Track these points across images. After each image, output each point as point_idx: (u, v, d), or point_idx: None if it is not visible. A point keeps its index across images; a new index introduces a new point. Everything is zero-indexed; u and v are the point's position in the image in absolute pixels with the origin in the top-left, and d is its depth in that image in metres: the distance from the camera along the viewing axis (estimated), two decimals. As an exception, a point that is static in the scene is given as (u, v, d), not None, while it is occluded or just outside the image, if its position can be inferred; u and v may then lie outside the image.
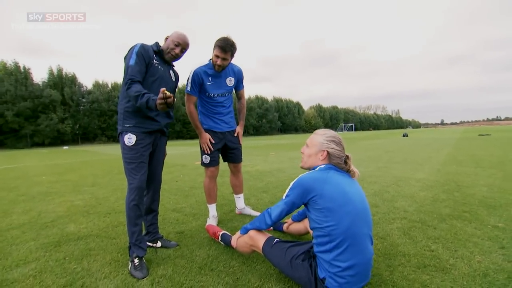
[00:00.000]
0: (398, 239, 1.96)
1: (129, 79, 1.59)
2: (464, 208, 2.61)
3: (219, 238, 1.92)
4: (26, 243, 2.11)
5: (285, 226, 2.08)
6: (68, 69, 37.78)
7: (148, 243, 1.92)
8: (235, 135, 2.48)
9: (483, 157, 6.44)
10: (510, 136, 15.40)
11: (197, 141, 3.17)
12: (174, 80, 1.97)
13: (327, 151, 1.39)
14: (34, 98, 29.11)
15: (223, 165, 2.58)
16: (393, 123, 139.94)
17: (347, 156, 1.40)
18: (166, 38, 1.87)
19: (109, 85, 37.25)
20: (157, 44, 1.86)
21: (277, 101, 60.87)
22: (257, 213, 2.63)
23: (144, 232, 1.98)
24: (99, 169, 7.00)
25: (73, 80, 34.02)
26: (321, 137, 1.43)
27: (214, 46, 2.11)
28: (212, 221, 2.41)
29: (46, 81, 32.03)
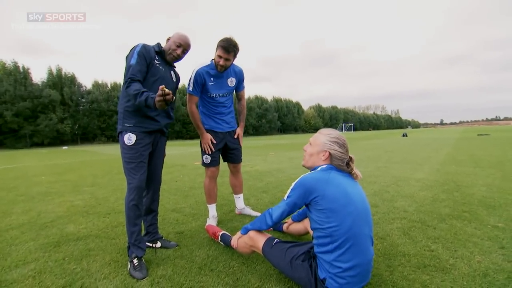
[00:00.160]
0: (398, 239, 1.96)
1: (129, 78, 1.60)
2: (463, 208, 2.61)
3: (219, 239, 1.92)
4: (26, 244, 2.11)
5: (285, 226, 2.08)
6: (67, 69, 37.76)
7: (147, 243, 1.92)
8: (235, 136, 2.48)
9: (482, 157, 6.45)
10: (509, 136, 15.42)
11: (196, 141, 3.16)
12: (174, 80, 1.97)
13: (329, 152, 1.37)
14: (34, 98, 29.04)
15: (223, 165, 2.58)
16: (393, 123, 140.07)
17: (350, 158, 1.37)
18: (168, 39, 1.87)
19: (109, 85, 37.16)
20: (158, 44, 1.86)
21: (277, 101, 60.87)
22: (256, 213, 2.62)
23: (143, 232, 1.97)
24: (98, 169, 6.99)
25: (72, 80, 33.93)
26: (325, 137, 1.41)
27: (217, 46, 2.12)
28: (212, 221, 2.40)
29: (45, 81, 31.94)
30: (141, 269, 1.59)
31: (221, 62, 2.12)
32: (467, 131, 32.69)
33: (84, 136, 34.20)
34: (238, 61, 2.33)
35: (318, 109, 77.46)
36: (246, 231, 1.57)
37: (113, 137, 33.99)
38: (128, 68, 1.65)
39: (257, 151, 10.92)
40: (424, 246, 1.83)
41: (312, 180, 1.30)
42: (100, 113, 34.52)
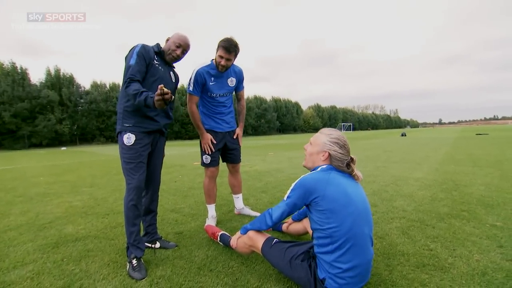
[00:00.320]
0: (397, 238, 1.96)
1: (128, 78, 1.60)
2: (462, 207, 2.62)
3: (218, 239, 1.92)
4: (24, 245, 2.10)
5: (285, 226, 2.08)
6: (66, 70, 37.65)
7: (147, 244, 1.91)
8: (235, 137, 2.48)
9: (480, 156, 6.47)
10: (507, 136, 15.49)
11: (195, 142, 3.16)
12: (174, 81, 1.97)
13: (329, 153, 1.36)
14: (32, 98, 28.93)
15: (222, 166, 2.58)
16: (392, 122, 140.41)
17: (351, 159, 1.35)
18: (167, 40, 1.87)
19: (107, 86, 37.07)
20: (158, 45, 1.86)
21: (276, 101, 60.89)
22: (256, 213, 2.62)
23: (142, 232, 1.97)
24: (97, 169, 6.97)
25: (71, 80, 33.82)
26: (325, 137, 1.40)
27: (218, 46, 2.13)
28: (211, 221, 2.40)
29: (43, 81, 31.83)
30: (140, 270, 1.58)
31: (223, 62, 2.13)
32: (466, 130, 32.80)
33: (83, 136, 34.09)
34: (236, 61, 2.33)
35: (317, 109, 77.56)
36: (245, 231, 1.57)
37: (112, 138, 33.91)
38: (127, 68, 1.64)
39: (256, 151, 10.92)
40: (423, 245, 1.83)
41: (312, 180, 1.29)
42: (98, 114, 34.42)
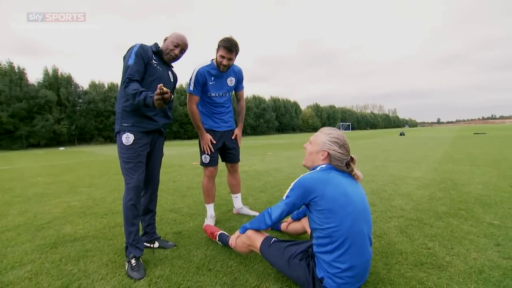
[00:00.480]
0: (395, 237, 1.97)
1: (127, 78, 1.60)
2: (460, 206, 2.63)
3: (217, 238, 1.92)
4: (22, 245, 2.09)
5: (284, 225, 2.07)
6: (63, 70, 37.47)
7: (145, 243, 1.91)
8: (233, 137, 2.48)
9: (478, 155, 6.50)
10: (504, 135, 15.56)
11: (194, 142, 3.16)
12: (172, 80, 1.97)
13: (328, 152, 1.36)
14: (29, 98, 28.80)
15: (221, 165, 2.58)
16: (390, 122, 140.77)
17: (351, 159, 1.34)
18: (165, 39, 1.87)
19: (106, 86, 36.97)
20: (156, 45, 1.86)
21: (275, 100, 60.91)
22: (255, 213, 2.63)
23: (141, 232, 1.97)
24: (96, 169, 6.95)
25: (68, 80, 33.70)
26: (325, 136, 1.39)
27: (218, 46, 2.13)
28: (209, 221, 2.40)
29: (41, 81, 31.71)
30: (139, 269, 1.58)
31: (224, 62, 2.14)
32: (464, 129, 32.94)
33: (81, 136, 33.98)
34: (235, 61, 2.33)
35: (316, 108, 77.65)
36: (244, 230, 1.56)
37: (111, 138, 33.82)
38: (126, 68, 1.64)
39: (255, 151, 10.92)
40: (421, 244, 1.84)
41: (311, 180, 1.29)
42: (97, 114, 34.32)
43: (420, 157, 6.60)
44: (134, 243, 1.67)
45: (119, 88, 1.76)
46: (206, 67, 2.23)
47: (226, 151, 2.50)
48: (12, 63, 29.65)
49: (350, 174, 1.35)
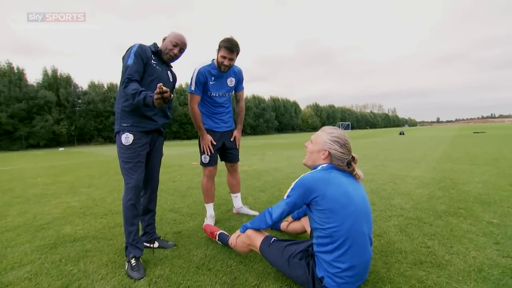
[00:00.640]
0: (394, 236, 1.98)
1: (126, 78, 1.60)
2: (459, 204, 2.64)
3: (217, 238, 1.92)
4: (21, 246, 2.09)
5: (285, 224, 2.07)
6: (63, 70, 37.37)
7: (145, 243, 1.91)
8: (232, 139, 2.48)
9: (478, 154, 6.51)
10: (504, 134, 15.58)
11: (194, 142, 3.16)
12: (171, 80, 1.97)
13: (329, 152, 1.35)
14: (29, 99, 28.75)
15: (220, 165, 2.58)
16: (390, 121, 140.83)
17: (352, 158, 1.33)
18: (164, 39, 1.87)
19: (105, 86, 36.91)
20: (155, 44, 1.86)
21: (274, 100, 60.91)
22: (254, 212, 2.63)
23: (141, 232, 1.97)
24: (95, 170, 6.94)
25: (68, 81, 33.65)
26: (326, 135, 1.38)
27: (220, 47, 2.14)
28: (209, 220, 2.40)
29: (40, 82, 31.66)
30: (139, 269, 1.58)
31: (226, 62, 2.15)
32: (463, 129, 32.96)
33: (81, 137, 33.94)
34: (235, 61, 2.34)
35: (316, 108, 77.67)
36: (245, 230, 1.56)
37: (110, 138, 33.77)
38: (125, 68, 1.64)
39: (254, 151, 10.92)
40: (421, 243, 1.84)
41: (312, 179, 1.28)
42: (96, 114, 34.28)
43: (419, 156, 6.61)
44: (134, 243, 1.68)
45: (118, 88, 1.76)
46: (207, 66, 2.24)
47: (226, 151, 2.50)
48: (11, 64, 29.61)
49: (351, 173, 1.34)
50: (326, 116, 78.83)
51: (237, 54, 2.19)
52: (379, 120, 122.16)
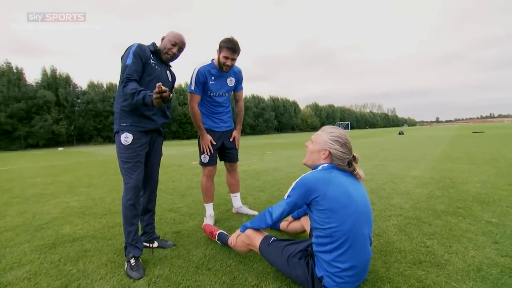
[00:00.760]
0: (394, 235, 1.98)
1: (125, 78, 1.60)
2: (458, 204, 2.64)
3: (216, 238, 1.92)
4: (20, 246, 2.08)
5: (285, 224, 2.07)
6: (62, 70, 37.28)
7: (144, 243, 1.91)
8: (231, 139, 2.49)
9: (477, 154, 6.52)
10: (503, 133, 15.62)
11: (193, 141, 3.16)
12: (170, 80, 1.97)
13: (329, 151, 1.34)
14: (28, 99, 28.71)
15: (220, 165, 2.58)
16: (389, 121, 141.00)
17: (353, 157, 1.32)
18: (162, 38, 1.87)
19: (105, 86, 36.88)
20: (154, 44, 1.86)
21: (274, 100, 60.94)
22: (254, 212, 2.63)
23: (140, 232, 1.97)
24: (95, 170, 6.94)
25: (67, 80, 33.61)
26: (326, 135, 1.37)
27: (221, 47, 2.14)
28: (209, 220, 2.40)
29: (39, 81, 31.62)
30: (138, 269, 1.58)
31: (228, 62, 2.16)
32: (462, 128, 33.03)
33: (80, 137, 33.90)
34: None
35: (315, 108, 77.74)
36: (245, 229, 1.56)
37: (109, 138, 33.74)
38: (124, 68, 1.64)
39: (254, 150, 10.92)
40: (420, 242, 1.85)
41: (313, 179, 1.27)
42: (96, 114, 34.24)
43: (419, 156, 6.62)
44: (134, 242, 1.67)
45: (117, 88, 1.76)
46: (207, 66, 2.25)
47: (225, 151, 2.50)
48: (10, 63, 29.59)
49: (352, 173, 1.34)
50: (326, 116, 78.90)
51: (238, 54, 2.20)
52: (378, 120, 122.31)
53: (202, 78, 2.22)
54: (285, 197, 1.35)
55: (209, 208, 2.47)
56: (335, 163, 1.34)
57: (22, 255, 1.91)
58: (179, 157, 9.36)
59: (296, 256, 1.36)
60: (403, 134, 22.74)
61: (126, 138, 1.69)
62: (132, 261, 1.62)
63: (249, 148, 12.80)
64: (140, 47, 1.71)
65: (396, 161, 5.86)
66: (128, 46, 1.73)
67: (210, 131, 2.37)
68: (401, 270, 1.52)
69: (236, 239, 1.61)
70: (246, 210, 2.67)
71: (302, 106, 75.24)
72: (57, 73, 33.15)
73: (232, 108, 2.55)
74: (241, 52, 2.21)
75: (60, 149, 25.80)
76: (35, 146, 29.00)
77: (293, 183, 1.34)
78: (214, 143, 2.35)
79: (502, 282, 1.37)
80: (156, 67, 1.80)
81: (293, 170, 5.24)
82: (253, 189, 3.73)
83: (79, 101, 34.11)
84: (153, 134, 1.87)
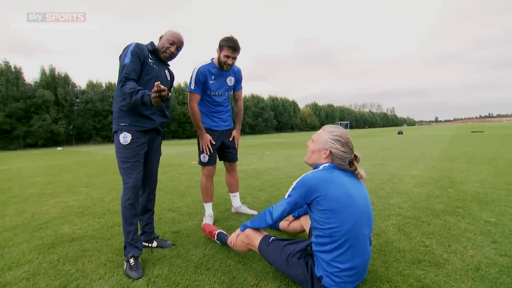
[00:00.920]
0: (393, 235, 1.98)
1: (123, 77, 1.59)
2: (457, 203, 2.65)
3: (215, 237, 1.92)
4: (19, 245, 2.08)
5: (286, 224, 2.06)
6: (61, 69, 37.18)
7: (144, 243, 1.91)
8: (230, 139, 2.49)
9: (475, 153, 6.54)
10: (501, 133, 15.66)
11: (193, 141, 3.16)
12: (169, 79, 1.97)
13: (330, 151, 1.33)
14: (26, 98, 28.62)
15: (219, 164, 2.58)
16: (388, 120, 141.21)
17: (355, 157, 1.31)
18: (160, 37, 1.86)
19: (104, 85, 36.81)
20: (152, 43, 1.85)
21: (273, 99, 60.94)
22: (253, 212, 2.63)
23: (139, 232, 1.96)
24: (94, 169, 6.92)
25: (66, 80, 33.52)
26: (327, 134, 1.36)
27: (222, 46, 2.15)
28: (208, 220, 2.40)
29: (38, 81, 31.52)
30: (137, 269, 1.58)
31: (229, 61, 2.17)
32: (461, 128, 33.09)
33: (79, 136, 33.82)
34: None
35: (314, 107, 77.82)
36: (245, 229, 1.56)
37: (109, 137, 33.68)
38: (122, 67, 1.64)
39: (253, 150, 10.92)
40: (419, 242, 1.85)
41: (314, 179, 1.27)
42: (95, 113, 34.17)
43: (418, 156, 6.63)
44: (133, 242, 1.67)
45: (115, 87, 1.75)
46: (207, 65, 2.25)
47: (225, 150, 2.50)
48: (8, 63, 29.47)
49: (353, 173, 1.33)
50: (325, 115, 78.99)
51: (239, 52, 2.21)
52: (377, 120, 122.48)
53: (202, 78, 2.22)
54: (286, 196, 1.35)
55: (208, 208, 2.47)
56: (336, 163, 1.33)
57: (20, 255, 1.90)
58: (179, 157, 9.35)
59: (296, 255, 1.36)
60: (402, 133, 22.77)
61: (125, 137, 1.69)
62: (132, 261, 1.61)
63: (249, 147, 12.80)
64: (138, 46, 1.70)
65: (395, 161, 5.87)
66: (126, 46, 1.72)
67: (209, 130, 2.37)
68: (400, 269, 1.52)
69: (237, 238, 1.61)
70: (245, 209, 2.67)
71: (301, 105, 75.37)
72: (56, 73, 33.05)
73: (232, 108, 2.55)
74: (240, 51, 2.21)
75: (59, 148, 25.74)
76: (34, 145, 28.92)
77: (294, 183, 1.33)
78: (214, 142, 2.35)
79: (501, 282, 1.37)
80: (155, 66, 1.79)
81: (293, 170, 5.24)
82: (253, 188, 3.73)
83: (78, 100, 34.02)
84: (152, 134, 1.87)
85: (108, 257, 1.82)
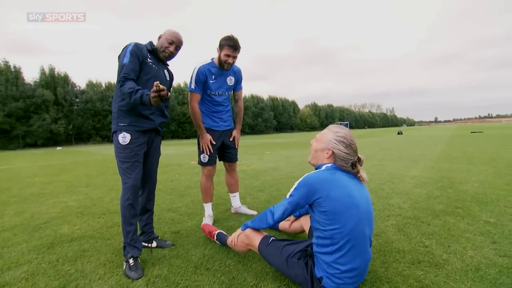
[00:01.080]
0: (393, 235, 1.98)
1: (122, 77, 1.59)
2: (457, 204, 2.65)
3: (215, 237, 1.92)
4: (18, 246, 2.07)
5: (287, 224, 2.05)
6: (60, 69, 37.16)
7: (143, 243, 1.90)
8: (231, 139, 2.48)
9: (475, 154, 6.55)
10: (501, 133, 15.68)
11: (192, 141, 3.16)
12: (168, 79, 1.96)
13: (333, 151, 1.32)
14: (26, 98, 28.60)
15: (219, 164, 2.58)
16: (388, 121, 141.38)
17: (358, 159, 1.30)
18: (159, 37, 1.86)
19: (103, 85, 36.81)
20: (151, 43, 1.85)
21: (273, 100, 60.99)
22: (253, 212, 2.63)
23: (139, 232, 1.96)
24: (93, 169, 6.92)
25: (65, 79, 33.51)
26: (332, 134, 1.35)
27: (222, 45, 2.15)
28: (207, 220, 2.40)
29: (38, 80, 31.50)
30: (137, 269, 1.57)
31: (230, 60, 2.18)
32: (461, 128, 33.13)
33: (79, 136, 33.81)
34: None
35: (314, 107, 77.89)
36: (246, 228, 1.55)
37: (108, 137, 33.65)
38: (121, 67, 1.63)
39: (253, 150, 10.92)
40: (418, 242, 1.85)
41: (316, 179, 1.26)
42: (94, 113, 34.16)
43: (417, 156, 6.64)
44: (132, 242, 1.67)
45: (115, 87, 1.75)
46: (207, 65, 2.25)
47: (225, 150, 2.50)
48: (7, 62, 29.46)
49: (355, 175, 1.32)
50: (325, 115, 79.05)
51: (239, 51, 2.22)
52: (377, 120, 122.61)
53: (202, 77, 2.22)
54: (287, 196, 1.34)
55: (208, 208, 2.47)
56: (338, 164, 1.32)
57: (20, 255, 1.90)
58: (178, 157, 9.34)
59: (295, 256, 1.36)
60: (401, 134, 22.79)
61: (124, 138, 1.68)
62: (131, 261, 1.61)
63: (248, 147, 12.80)
64: (137, 46, 1.70)
65: (395, 161, 5.88)
66: (125, 45, 1.72)
67: (209, 130, 2.37)
68: (399, 270, 1.52)
69: (237, 238, 1.60)
70: (245, 210, 2.67)
71: (301, 105, 75.45)
72: (56, 72, 33.03)
73: (232, 108, 2.55)
74: (240, 51, 2.22)
75: (58, 148, 25.71)
76: (34, 145, 28.89)
77: (296, 183, 1.32)
78: (214, 142, 2.35)
79: (500, 282, 1.37)
80: (154, 66, 1.79)
81: (292, 170, 5.24)
82: (252, 189, 3.73)
83: (77, 100, 34.01)
84: (151, 134, 1.86)
85: (108, 257, 1.82)
